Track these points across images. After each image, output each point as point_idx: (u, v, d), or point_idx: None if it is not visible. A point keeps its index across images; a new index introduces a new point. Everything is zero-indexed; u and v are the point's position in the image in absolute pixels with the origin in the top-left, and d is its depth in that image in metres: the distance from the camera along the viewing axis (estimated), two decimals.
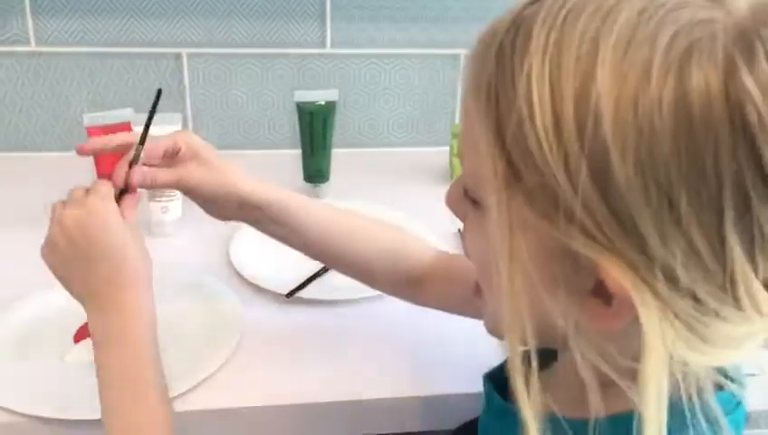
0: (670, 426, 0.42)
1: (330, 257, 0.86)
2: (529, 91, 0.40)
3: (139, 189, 0.76)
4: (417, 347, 0.90)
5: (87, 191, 0.72)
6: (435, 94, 1.54)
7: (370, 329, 0.93)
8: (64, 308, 0.85)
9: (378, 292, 0.95)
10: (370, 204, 1.24)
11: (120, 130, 1.10)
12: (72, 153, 1.41)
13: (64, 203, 0.72)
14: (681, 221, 0.38)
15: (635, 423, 0.42)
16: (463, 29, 1.48)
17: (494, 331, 0.54)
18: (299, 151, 1.30)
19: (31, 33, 1.37)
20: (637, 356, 0.41)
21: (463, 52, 1.50)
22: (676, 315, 0.40)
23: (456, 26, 1.48)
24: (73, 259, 0.70)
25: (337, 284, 0.97)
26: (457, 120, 1.56)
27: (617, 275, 0.40)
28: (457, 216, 0.54)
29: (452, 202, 0.54)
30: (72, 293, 0.72)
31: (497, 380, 0.61)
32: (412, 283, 0.84)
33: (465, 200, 0.50)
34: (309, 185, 1.31)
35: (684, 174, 0.37)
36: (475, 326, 0.93)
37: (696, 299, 0.40)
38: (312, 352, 0.88)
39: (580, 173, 0.38)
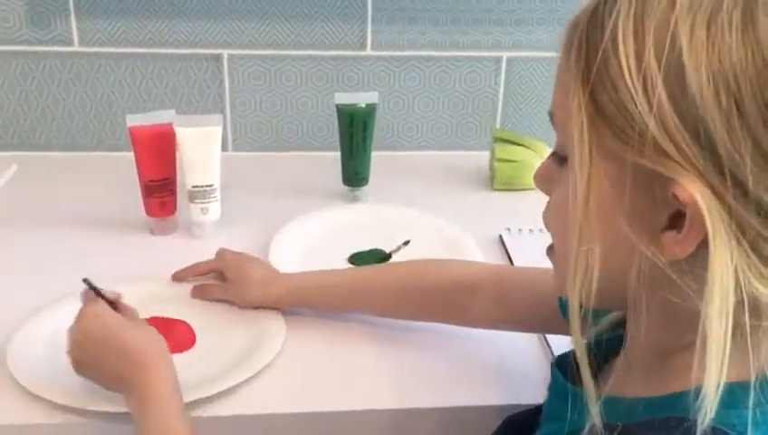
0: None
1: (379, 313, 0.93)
2: (614, 29, 0.46)
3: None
4: (461, 355, 0.89)
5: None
6: (476, 97, 1.52)
7: (411, 336, 0.92)
8: None
9: None
10: (410, 208, 1.24)
11: (162, 131, 1.11)
12: (114, 153, 1.43)
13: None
14: (749, 125, 0.42)
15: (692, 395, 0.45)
16: (504, 32, 1.46)
17: (561, 289, 0.58)
18: (338, 154, 1.29)
19: (74, 33, 1.38)
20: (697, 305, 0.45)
21: (505, 54, 1.49)
22: (743, 232, 0.44)
23: (497, 29, 1.46)
24: (91, 361, 0.76)
25: None
26: (498, 124, 1.54)
27: (688, 185, 0.43)
28: (544, 189, 0.58)
29: (539, 176, 0.58)
30: (104, 385, 0.76)
31: (562, 365, 0.65)
32: (465, 302, 0.86)
33: (553, 166, 0.55)
34: (348, 187, 1.30)
35: (750, 79, 0.42)
36: (523, 336, 0.93)
37: (762, 215, 0.43)
38: (353, 359, 0.88)
39: (656, 89, 0.44)
